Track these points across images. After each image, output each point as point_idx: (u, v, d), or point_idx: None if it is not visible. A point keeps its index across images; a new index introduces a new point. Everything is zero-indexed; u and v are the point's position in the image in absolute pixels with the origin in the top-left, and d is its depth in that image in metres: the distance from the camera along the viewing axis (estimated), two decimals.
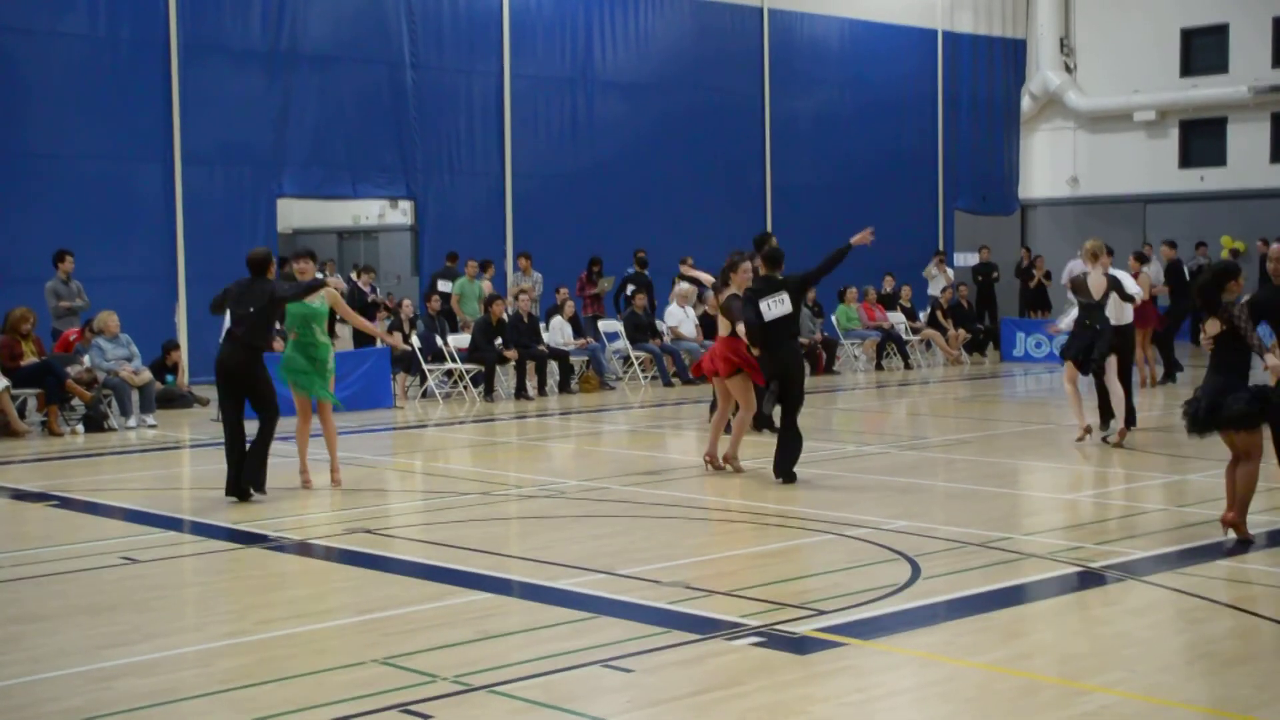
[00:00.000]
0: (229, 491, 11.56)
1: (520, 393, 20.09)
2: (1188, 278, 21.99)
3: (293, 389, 12.10)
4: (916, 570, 8.70)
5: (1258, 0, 31.30)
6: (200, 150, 21.29)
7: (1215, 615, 7.72)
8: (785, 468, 12.12)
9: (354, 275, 25.04)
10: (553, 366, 21.13)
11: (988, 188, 32.96)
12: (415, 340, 20.11)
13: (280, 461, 12.51)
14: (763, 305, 12.16)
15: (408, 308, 20.95)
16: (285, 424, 12.52)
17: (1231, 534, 9.35)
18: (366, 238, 33.27)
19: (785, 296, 12.18)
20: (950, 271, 28.74)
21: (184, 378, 19.68)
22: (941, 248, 30.39)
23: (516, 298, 20.81)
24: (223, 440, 11.65)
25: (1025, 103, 34.01)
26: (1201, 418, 9.17)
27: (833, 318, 24.95)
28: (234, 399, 11.64)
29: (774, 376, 12.25)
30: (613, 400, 20.11)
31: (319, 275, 12.87)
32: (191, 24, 21.24)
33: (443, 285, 22.37)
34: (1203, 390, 9.22)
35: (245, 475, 11.52)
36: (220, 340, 12.30)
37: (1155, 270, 22.89)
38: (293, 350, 12.03)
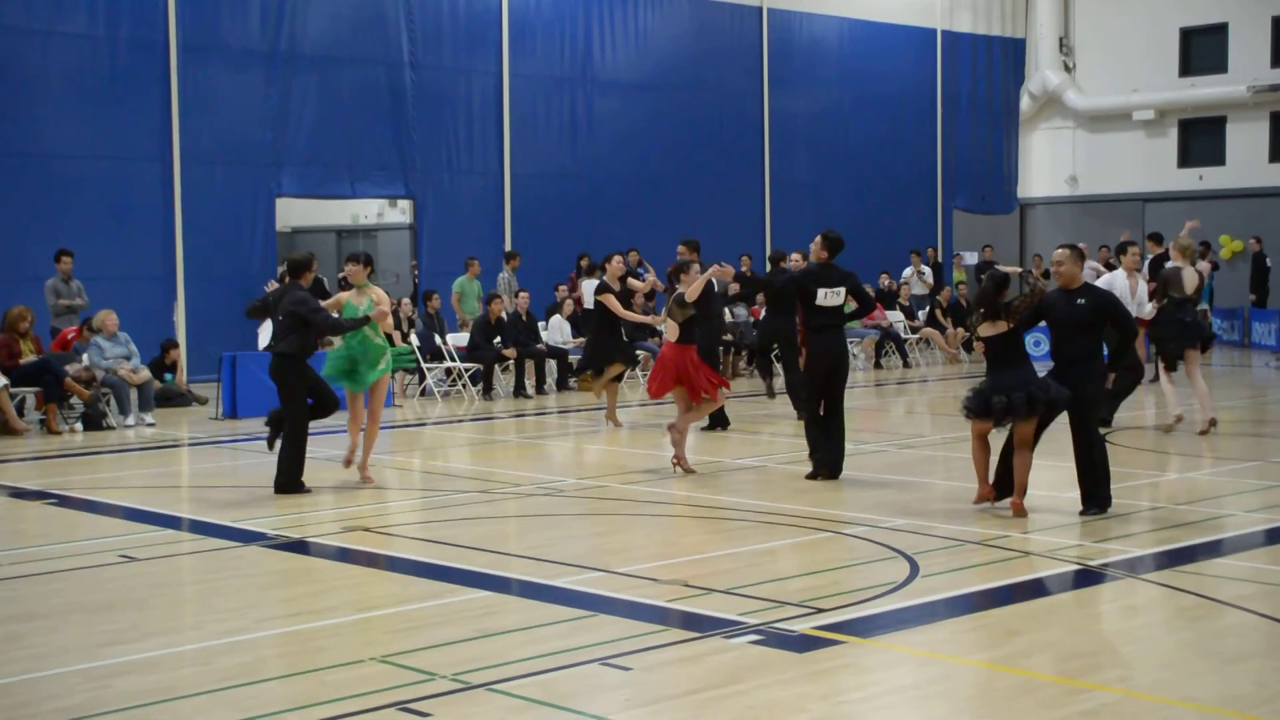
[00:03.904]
0: (282, 489, 11.74)
1: (519, 391, 20.11)
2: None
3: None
4: (915, 568, 8.70)
5: (1257, 0, 31.32)
6: (199, 150, 21.29)
7: (1214, 613, 7.72)
8: (838, 464, 12.18)
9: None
10: (551, 365, 21.14)
11: (987, 187, 32.98)
12: (414, 339, 20.12)
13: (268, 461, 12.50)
14: (820, 293, 12.09)
15: (406, 306, 20.95)
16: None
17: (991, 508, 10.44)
18: (365, 237, 33.22)
19: (843, 291, 12.22)
20: (928, 274, 28.47)
21: (182, 376, 19.70)
22: (935, 248, 30.30)
23: (516, 295, 20.83)
24: (224, 439, 11.65)
25: (1024, 102, 34.03)
26: (1036, 401, 10.14)
27: None
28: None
29: (821, 368, 12.07)
30: None
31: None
32: (190, 24, 21.25)
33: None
34: (1000, 383, 10.19)
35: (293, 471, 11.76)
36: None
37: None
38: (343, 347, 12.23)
